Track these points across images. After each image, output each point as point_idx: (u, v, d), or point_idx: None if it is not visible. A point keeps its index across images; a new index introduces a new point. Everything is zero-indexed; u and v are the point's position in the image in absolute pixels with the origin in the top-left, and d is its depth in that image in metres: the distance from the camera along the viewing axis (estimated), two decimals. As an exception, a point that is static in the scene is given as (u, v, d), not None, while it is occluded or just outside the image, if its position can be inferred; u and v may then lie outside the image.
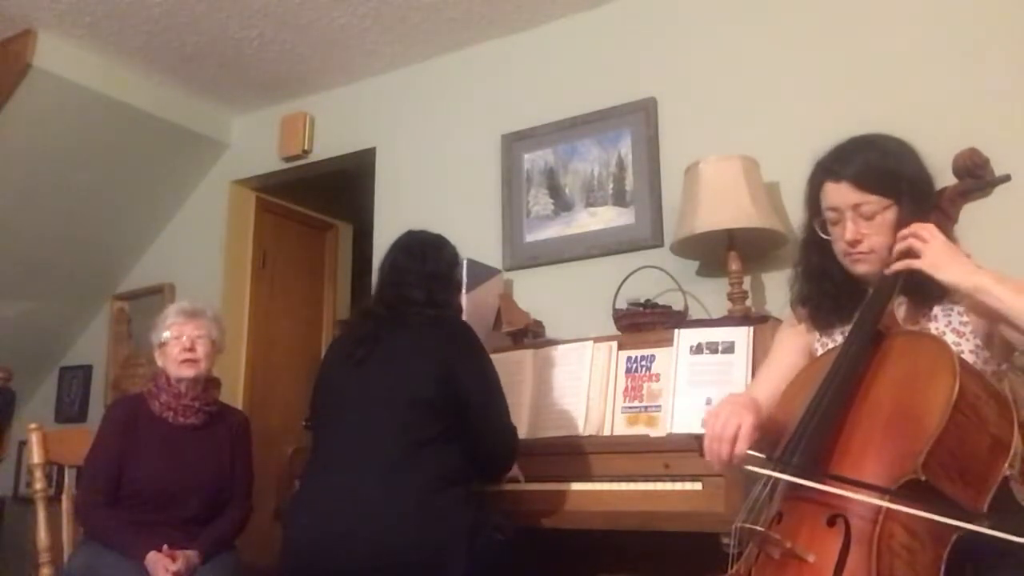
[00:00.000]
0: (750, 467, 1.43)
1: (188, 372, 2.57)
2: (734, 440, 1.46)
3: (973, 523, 1.19)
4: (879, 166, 1.60)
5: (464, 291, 2.96)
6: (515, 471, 2.39)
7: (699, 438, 1.54)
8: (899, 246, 1.52)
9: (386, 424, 2.09)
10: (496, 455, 2.25)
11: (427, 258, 2.31)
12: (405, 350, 2.18)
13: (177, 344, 2.59)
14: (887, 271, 1.55)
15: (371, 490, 2.01)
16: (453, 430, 2.11)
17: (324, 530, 2.02)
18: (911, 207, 1.57)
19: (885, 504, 1.23)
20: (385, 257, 2.40)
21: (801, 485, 1.34)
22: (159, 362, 2.64)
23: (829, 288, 1.70)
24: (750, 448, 1.45)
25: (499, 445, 2.24)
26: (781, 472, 1.36)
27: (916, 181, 1.59)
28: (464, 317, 2.90)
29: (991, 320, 1.53)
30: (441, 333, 2.20)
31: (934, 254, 1.47)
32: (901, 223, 1.56)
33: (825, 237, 1.67)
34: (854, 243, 1.60)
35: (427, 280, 2.26)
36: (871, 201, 1.58)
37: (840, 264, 1.68)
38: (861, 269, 1.63)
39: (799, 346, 1.78)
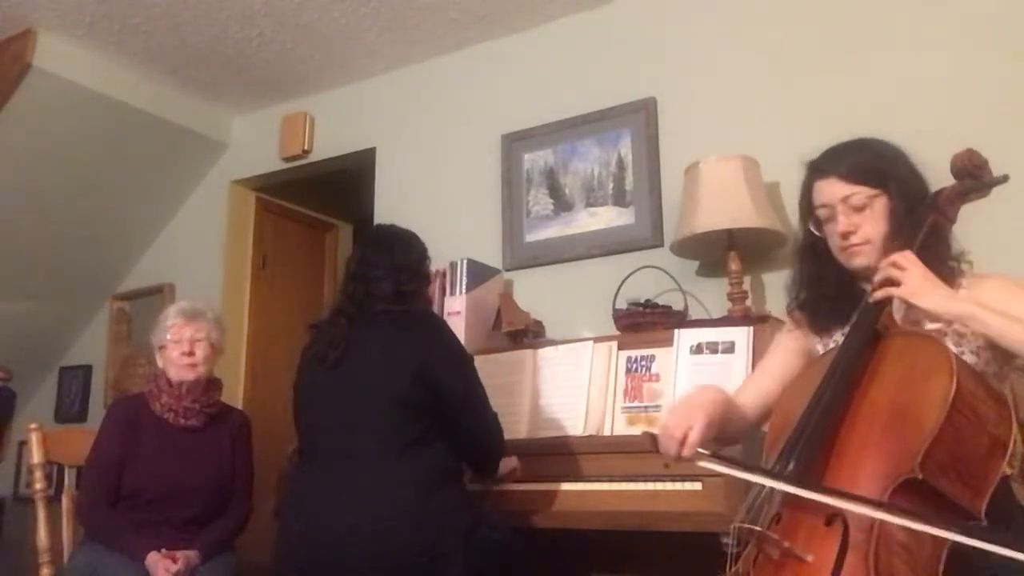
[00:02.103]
0: (702, 463, 1.51)
1: (188, 375, 2.56)
2: (683, 441, 1.52)
3: (965, 532, 1.19)
4: (865, 159, 1.65)
5: (459, 289, 2.98)
6: (515, 463, 2.39)
7: (653, 436, 1.60)
8: (879, 275, 1.54)
9: (370, 426, 2.08)
10: (485, 446, 2.24)
11: (395, 251, 2.28)
12: (378, 350, 2.16)
13: (177, 347, 2.58)
14: (869, 299, 1.55)
15: (363, 495, 2.01)
16: (437, 428, 2.11)
17: (319, 535, 2.02)
18: (901, 201, 1.61)
19: (879, 516, 1.23)
20: (353, 251, 2.39)
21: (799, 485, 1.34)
22: (159, 363, 2.64)
23: (826, 291, 1.72)
24: (703, 447, 1.52)
25: (486, 436, 2.23)
26: (774, 479, 1.37)
27: (904, 177, 1.63)
28: (463, 317, 2.93)
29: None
30: (412, 330, 2.18)
31: (913, 283, 1.49)
32: (893, 216, 1.61)
33: (819, 235, 1.70)
34: (847, 235, 1.64)
35: (395, 272, 2.24)
36: (859, 192, 1.63)
37: (835, 266, 1.70)
38: (859, 262, 1.65)
39: (794, 347, 1.80)
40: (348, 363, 2.16)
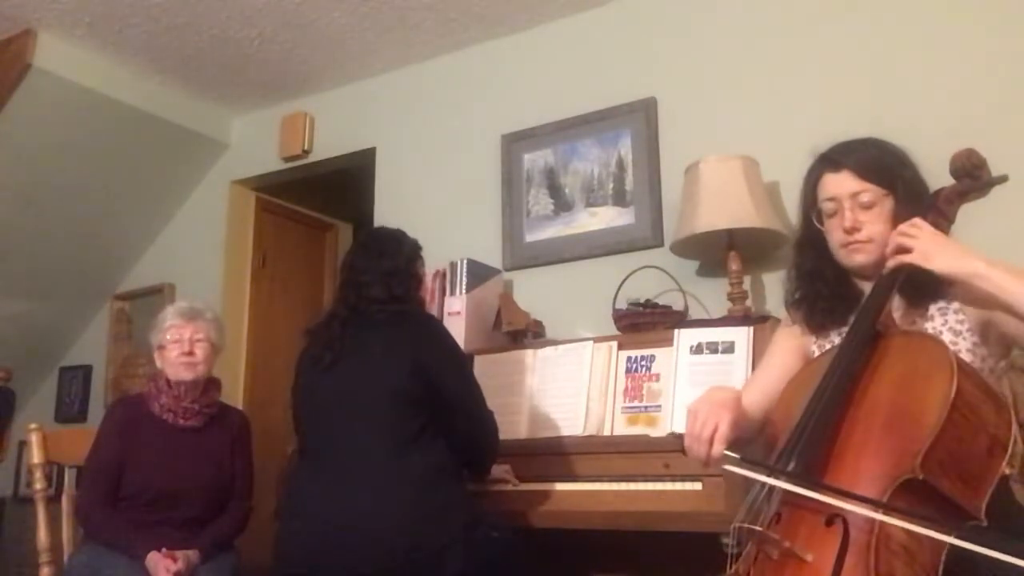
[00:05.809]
0: (729, 467, 1.45)
1: (187, 375, 2.56)
2: (711, 441, 1.49)
3: (963, 535, 1.18)
4: (878, 157, 1.65)
5: (459, 289, 2.98)
6: (507, 474, 2.39)
7: (681, 437, 1.56)
8: (891, 246, 1.54)
9: (368, 425, 2.09)
10: (479, 444, 2.24)
11: (384, 254, 2.30)
12: (374, 349, 2.17)
13: (176, 347, 2.58)
14: (884, 271, 1.55)
15: (363, 492, 2.02)
16: (434, 426, 2.12)
17: (318, 535, 2.02)
18: (906, 203, 1.60)
19: (879, 517, 1.23)
20: (345, 256, 2.41)
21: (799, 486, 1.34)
22: (158, 363, 2.64)
23: (822, 289, 1.72)
24: (729, 448, 1.48)
25: (481, 434, 2.24)
26: (776, 478, 1.36)
27: (911, 180, 1.63)
28: (464, 317, 2.93)
29: (988, 308, 1.53)
30: (408, 328, 2.20)
31: (924, 245, 1.49)
32: (897, 217, 1.60)
33: (820, 228, 1.69)
34: (852, 231, 1.62)
35: (384, 277, 2.26)
36: (870, 189, 1.62)
37: (834, 264, 1.70)
38: (859, 259, 1.64)
39: (793, 347, 1.79)
40: (344, 363, 2.17)
